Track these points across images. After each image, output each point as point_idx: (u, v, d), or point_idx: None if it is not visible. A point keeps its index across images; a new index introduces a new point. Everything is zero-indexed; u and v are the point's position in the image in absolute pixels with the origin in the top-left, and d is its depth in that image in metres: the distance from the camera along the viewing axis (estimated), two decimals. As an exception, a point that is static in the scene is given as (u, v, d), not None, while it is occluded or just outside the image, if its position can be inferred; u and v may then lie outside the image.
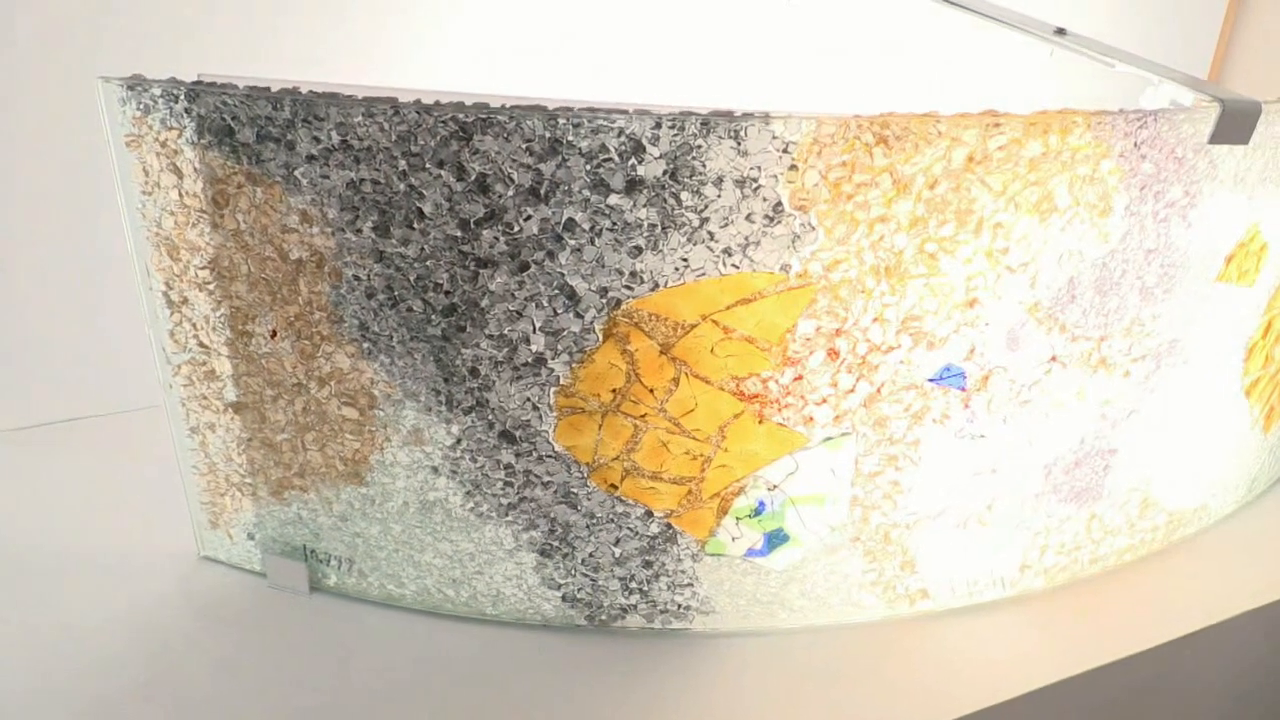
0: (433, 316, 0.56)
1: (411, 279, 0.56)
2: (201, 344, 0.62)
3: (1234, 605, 0.72)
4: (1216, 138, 0.57)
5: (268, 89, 0.53)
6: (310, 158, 0.54)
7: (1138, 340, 0.64)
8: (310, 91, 0.53)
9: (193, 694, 0.59)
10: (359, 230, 0.55)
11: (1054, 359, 0.61)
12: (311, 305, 0.58)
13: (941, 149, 0.53)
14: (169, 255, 0.60)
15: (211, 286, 0.60)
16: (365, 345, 0.58)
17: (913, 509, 0.64)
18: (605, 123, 0.50)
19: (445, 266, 0.55)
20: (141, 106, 0.56)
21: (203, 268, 0.59)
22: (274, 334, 0.60)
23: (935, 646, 0.67)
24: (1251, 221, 0.63)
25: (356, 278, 0.56)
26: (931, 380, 0.60)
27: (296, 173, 0.54)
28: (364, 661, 0.63)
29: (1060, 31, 0.67)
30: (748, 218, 0.53)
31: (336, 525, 0.65)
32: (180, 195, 0.57)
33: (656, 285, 0.55)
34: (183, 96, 0.54)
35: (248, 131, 0.54)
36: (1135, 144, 0.56)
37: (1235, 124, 0.57)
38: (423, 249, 0.55)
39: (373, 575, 0.67)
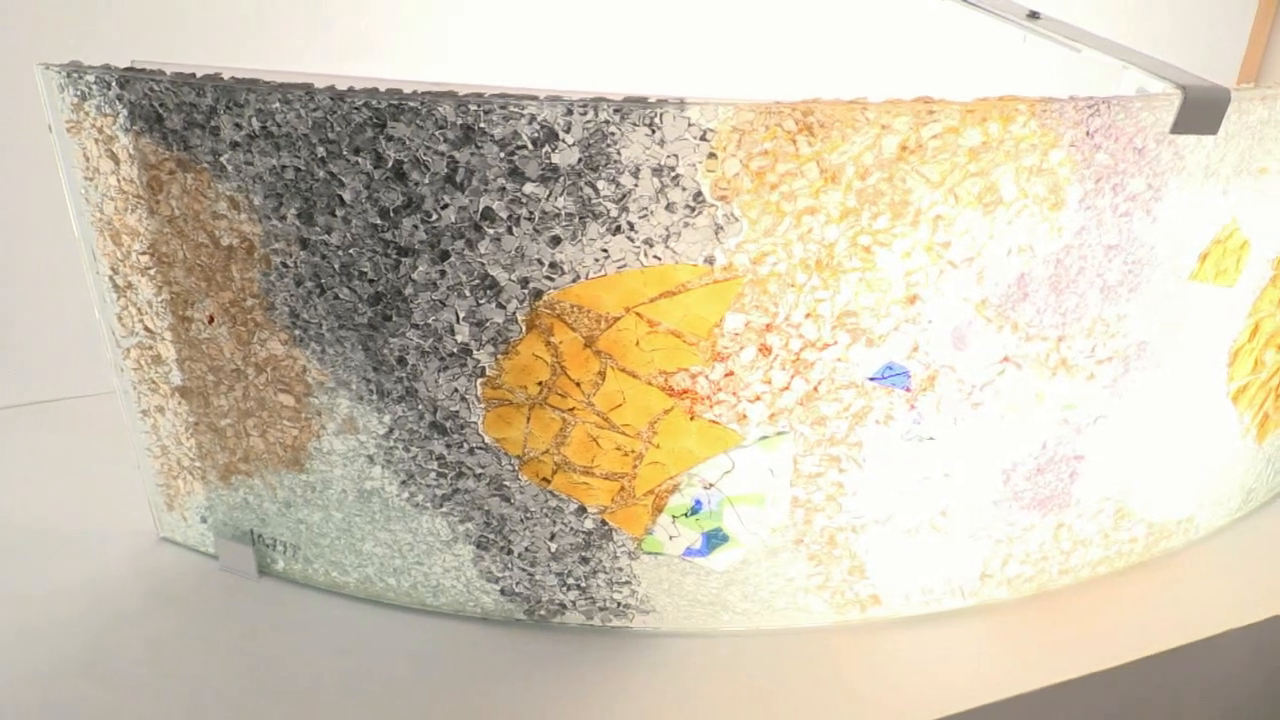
0: (359, 305, 0.56)
1: (336, 267, 0.55)
2: (147, 329, 0.63)
3: (1213, 623, 0.68)
4: (1179, 127, 0.53)
5: (193, 75, 0.53)
6: (234, 144, 0.54)
7: (1101, 341, 0.60)
8: (232, 78, 0.53)
9: (129, 670, 0.60)
10: (283, 217, 0.55)
11: (1007, 359, 0.58)
12: (245, 292, 0.58)
13: (870, 137, 0.50)
14: (112, 240, 0.61)
15: (152, 272, 0.60)
16: (296, 333, 0.59)
17: (858, 512, 0.62)
18: (517, 109, 0.49)
19: (368, 255, 0.54)
20: (79, 93, 0.56)
21: (143, 253, 0.60)
22: (211, 319, 0.60)
23: (884, 656, 0.65)
24: (1228, 217, 0.59)
25: (284, 265, 0.57)
26: (873, 379, 0.57)
27: (222, 159, 0.54)
28: (301, 647, 0.63)
29: (1033, 15, 0.64)
30: (667, 208, 0.51)
31: (281, 511, 0.66)
32: (118, 181, 0.58)
33: (578, 276, 0.53)
34: (115, 83, 0.55)
35: (176, 118, 0.54)
36: (1087, 133, 0.53)
37: (1201, 113, 0.53)
38: (346, 236, 0.54)
39: (317, 562, 0.67)
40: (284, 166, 0.53)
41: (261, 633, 0.64)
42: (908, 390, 0.58)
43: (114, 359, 0.65)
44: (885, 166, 0.51)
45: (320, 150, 0.52)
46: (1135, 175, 0.55)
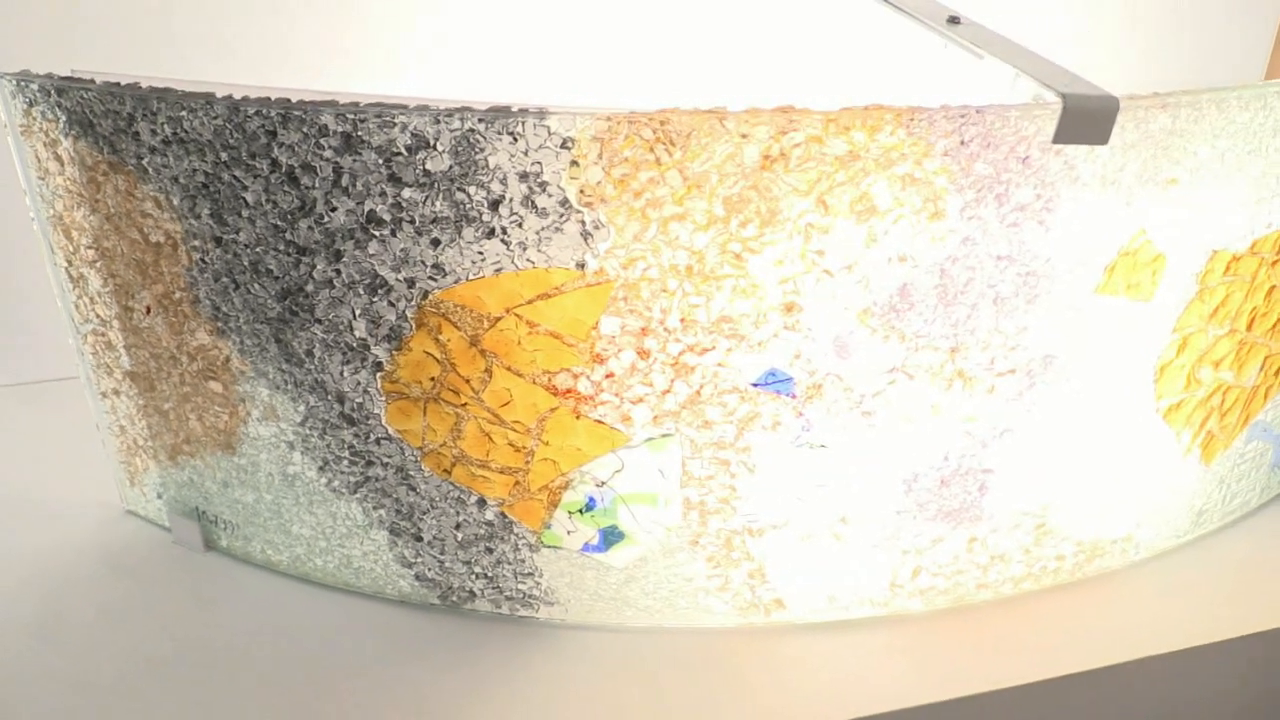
0: (269, 301, 0.60)
1: (247, 264, 0.59)
2: (99, 317, 0.68)
3: (1137, 648, 0.66)
4: (1062, 136, 0.52)
5: (117, 84, 0.58)
6: (152, 149, 0.58)
7: (1000, 354, 0.59)
8: (149, 87, 0.57)
9: (74, 631, 0.66)
10: (198, 216, 0.59)
11: (896, 370, 0.58)
12: (173, 285, 0.63)
13: (731, 145, 0.51)
14: (64, 235, 0.66)
15: (98, 265, 0.65)
16: (219, 324, 0.63)
17: (753, 516, 0.62)
18: (389, 118, 0.52)
19: (273, 254, 0.58)
20: (27, 99, 0.62)
21: (89, 247, 0.65)
22: (148, 310, 0.65)
23: (785, 660, 0.65)
24: (1135, 228, 0.57)
25: (203, 261, 0.61)
26: (756, 385, 0.58)
27: (144, 162, 0.59)
28: (232, 620, 0.67)
29: (953, 20, 0.63)
30: (537, 213, 0.53)
31: (221, 491, 0.70)
32: (65, 181, 0.63)
33: (460, 278, 0.56)
34: (54, 91, 0.60)
35: (104, 124, 0.59)
36: (962, 142, 0.52)
37: (1085, 122, 0.52)
38: (252, 236, 0.58)
39: (255, 540, 0.71)
40: (195, 170, 0.57)
41: (199, 604, 0.69)
42: (793, 397, 0.58)
43: (75, 344, 0.71)
44: (749, 175, 0.52)
45: (223, 155, 0.56)
46: (1022, 185, 0.54)
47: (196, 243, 0.60)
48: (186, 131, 0.56)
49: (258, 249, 0.58)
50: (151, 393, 0.69)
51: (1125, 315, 0.60)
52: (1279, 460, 0.76)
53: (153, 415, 0.70)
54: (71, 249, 0.66)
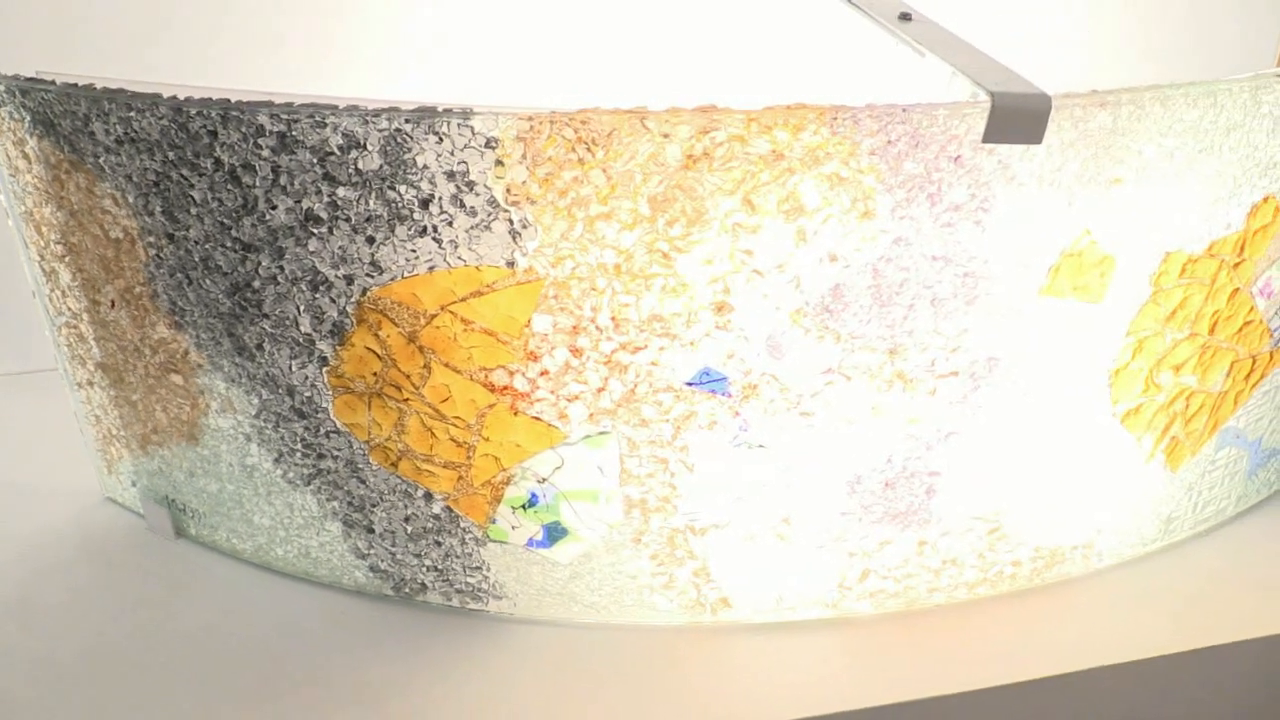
0: (220, 296, 0.61)
1: (198, 259, 0.61)
2: (70, 310, 0.70)
3: (1089, 658, 0.64)
4: (992, 136, 0.51)
5: (74, 85, 0.60)
6: (107, 148, 0.60)
7: (941, 356, 0.58)
8: (104, 88, 0.59)
9: (46, 613, 0.68)
10: (152, 214, 0.61)
11: (832, 370, 0.57)
12: (134, 280, 0.65)
13: (654, 145, 0.51)
14: (36, 230, 0.68)
15: (67, 260, 0.68)
16: (176, 318, 0.64)
17: (695, 515, 0.62)
18: (320, 118, 0.53)
19: (221, 250, 0.59)
20: (-3, 101, 0.64)
21: (58, 243, 0.67)
22: (113, 304, 0.67)
23: (729, 660, 0.65)
24: (1079, 229, 0.56)
25: (159, 257, 0.62)
26: (690, 384, 0.58)
27: (101, 161, 0.61)
28: (194, 606, 0.69)
29: (905, 17, 0.62)
30: (466, 212, 0.54)
31: (187, 480, 0.72)
32: (33, 178, 0.65)
33: (395, 275, 0.57)
34: (18, 92, 0.62)
35: (64, 124, 0.61)
36: (889, 141, 0.51)
37: (1017, 121, 0.51)
38: (202, 232, 0.59)
39: (220, 529, 0.73)
40: (146, 168, 0.59)
41: (165, 589, 0.71)
42: (728, 396, 0.58)
43: (51, 336, 0.73)
44: (673, 175, 0.52)
45: (171, 154, 0.57)
46: (955, 185, 0.53)
47: (151, 239, 0.62)
48: (136, 131, 0.58)
49: (207, 245, 0.60)
50: (121, 384, 0.71)
51: (1074, 317, 0.59)
52: (1256, 468, 0.74)
53: (123, 405, 0.72)
54: (43, 244, 0.68)
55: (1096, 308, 0.59)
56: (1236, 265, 0.62)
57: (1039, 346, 0.59)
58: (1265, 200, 0.60)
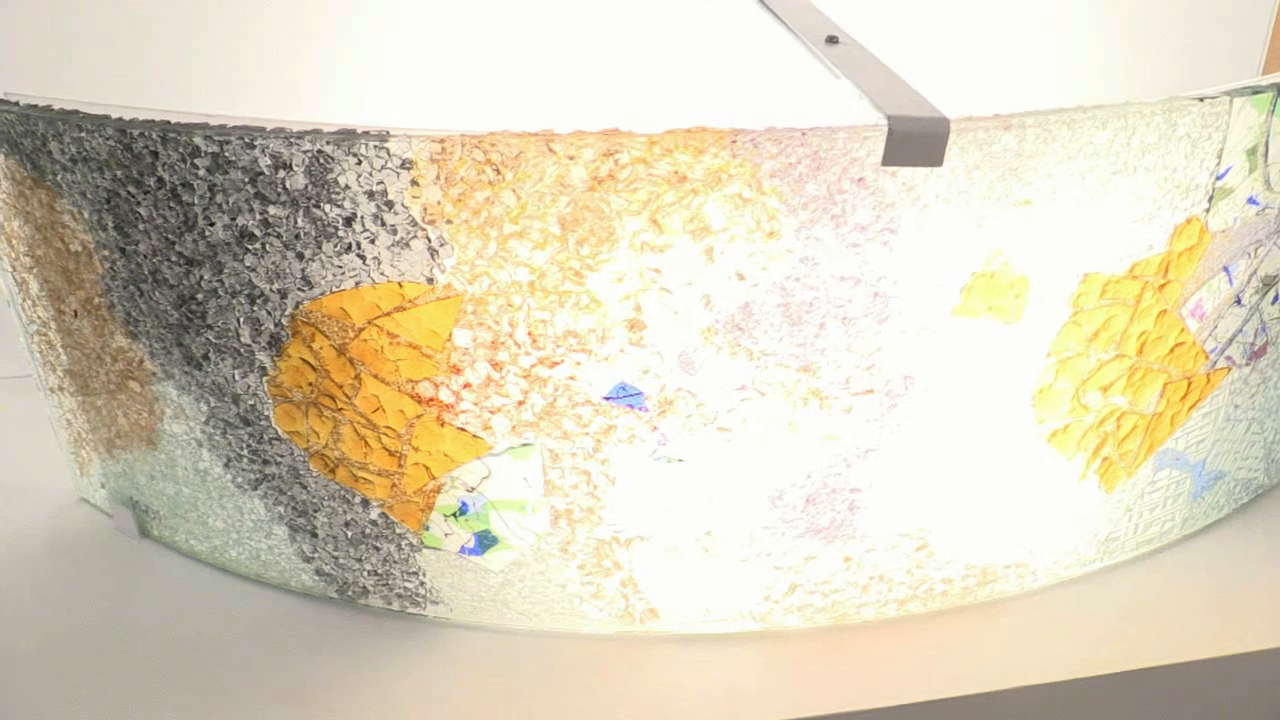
0: (168, 307, 0.64)
1: (147, 273, 0.64)
2: (40, 318, 0.74)
3: (1019, 676, 0.65)
4: (891, 158, 0.52)
5: (34, 107, 0.63)
6: (64, 166, 0.63)
7: (855, 374, 0.59)
8: (60, 110, 0.62)
9: (9, 607, 0.71)
10: (105, 229, 0.64)
11: (746, 387, 0.58)
12: (93, 291, 0.68)
13: (559, 168, 0.53)
14: (7, 243, 0.72)
15: (35, 271, 0.71)
16: (130, 328, 0.67)
17: (619, 526, 0.64)
18: (249, 140, 0.55)
19: (168, 264, 0.62)
20: (-32, 121, 0.68)
21: (26, 255, 0.71)
22: (75, 313, 0.70)
23: (654, 670, 0.66)
24: (990, 249, 0.56)
25: (113, 270, 0.65)
26: (608, 398, 0.59)
27: (58, 178, 0.64)
28: (150, 604, 0.72)
29: (832, 40, 0.63)
30: (386, 230, 0.56)
31: (149, 483, 0.75)
32: (2, 194, 0.69)
33: (325, 290, 0.59)
34: (-15, 114, 0.66)
35: (26, 143, 0.64)
36: (789, 163, 0.52)
37: (915, 144, 0.51)
38: (150, 247, 0.62)
39: (180, 531, 0.76)
40: (98, 186, 0.62)
41: (126, 587, 0.74)
42: (645, 411, 0.59)
43: (25, 342, 0.77)
44: (580, 196, 0.53)
45: (119, 173, 0.60)
46: (860, 206, 0.54)
47: (106, 253, 0.65)
48: (88, 151, 0.61)
49: (154, 259, 0.63)
50: (87, 390, 0.74)
51: (991, 337, 0.60)
52: (1201, 490, 0.73)
53: (90, 410, 0.75)
54: (14, 256, 0.72)
55: (1014, 327, 0.60)
56: (1162, 287, 0.62)
57: (956, 366, 0.60)
58: (1189, 221, 0.60)
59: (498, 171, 0.53)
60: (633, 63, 0.89)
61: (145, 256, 0.63)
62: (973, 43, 1.06)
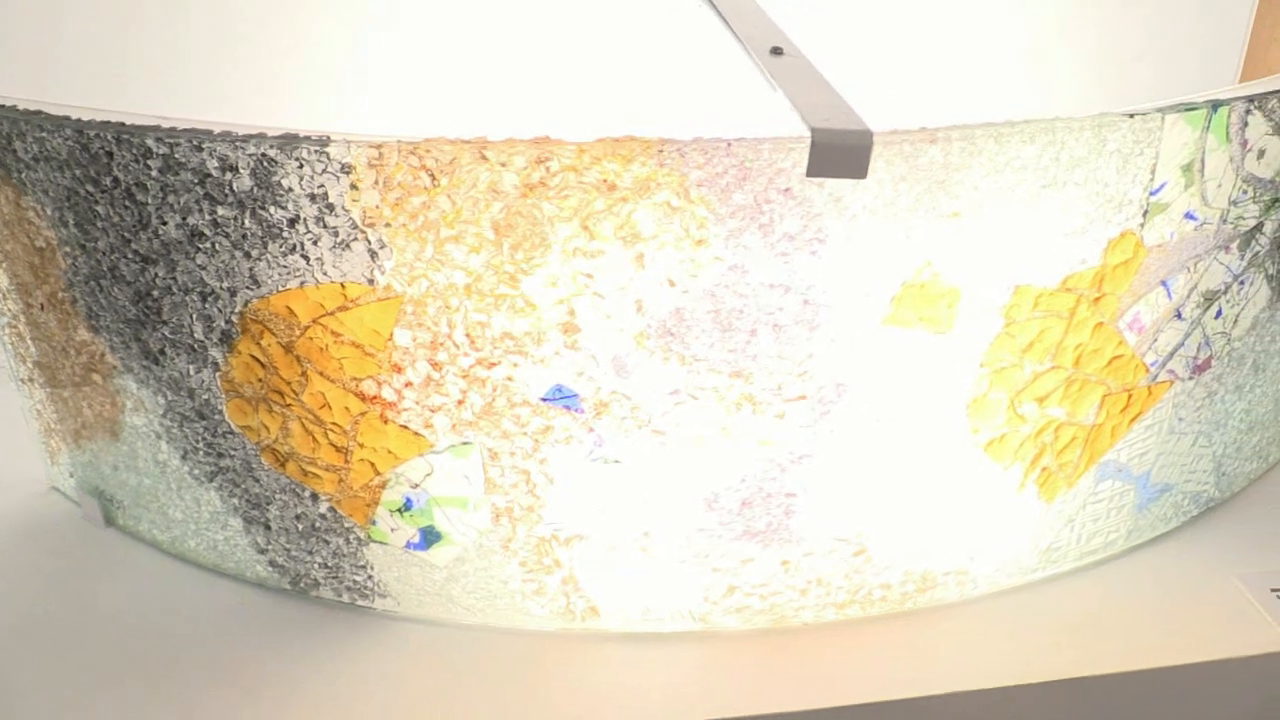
0: (126, 303, 0.66)
1: (106, 269, 0.65)
2: (10, 310, 0.76)
3: (954, 682, 0.65)
4: (815, 170, 0.53)
5: (1, 106, 0.65)
6: (27, 165, 0.65)
7: (788, 381, 0.60)
8: (25, 110, 0.64)
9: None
10: (67, 225, 0.66)
11: (679, 391, 0.60)
12: (57, 286, 0.70)
13: (492, 174, 0.54)
14: (-21, 238, 0.74)
15: (4, 265, 0.73)
16: (92, 322, 0.69)
17: (558, 525, 0.65)
18: (197, 142, 0.57)
19: (125, 261, 0.64)
20: (-59, 119, 0.70)
21: (-4, 250, 0.73)
22: (42, 307, 0.72)
23: (593, 667, 0.67)
24: (920, 260, 0.57)
25: (75, 266, 0.67)
26: (545, 399, 0.61)
27: (23, 176, 0.66)
28: (111, 590, 0.74)
29: (776, 51, 0.64)
30: (329, 232, 0.57)
31: (113, 473, 0.77)
32: (-27, 191, 0.71)
33: (272, 289, 0.60)
34: (-44, 113, 0.68)
35: (-7, 142, 0.67)
36: (716, 173, 0.53)
37: (838, 156, 0.52)
38: (108, 244, 0.64)
39: (143, 520, 0.78)
40: (59, 184, 0.64)
41: (88, 574, 0.76)
42: (581, 413, 0.61)
43: (-2, 335, 0.79)
44: (513, 202, 0.55)
45: (78, 172, 0.62)
46: (787, 216, 0.55)
47: (68, 249, 0.67)
48: (49, 150, 0.63)
49: (113, 256, 0.65)
50: (54, 382, 0.76)
51: (923, 346, 0.60)
52: (1146, 503, 0.74)
53: (58, 402, 0.78)
54: (-15, 251, 0.74)
55: (946, 337, 0.60)
56: (1097, 300, 0.62)
57: (889, 374, 0.61)
58: (1123, 236, 0.61)
59: (433, 177, 0.55)
60: (587, 67, 0.91)
61: (104, 253, 0.65)
62: (949, 49, 1.07)
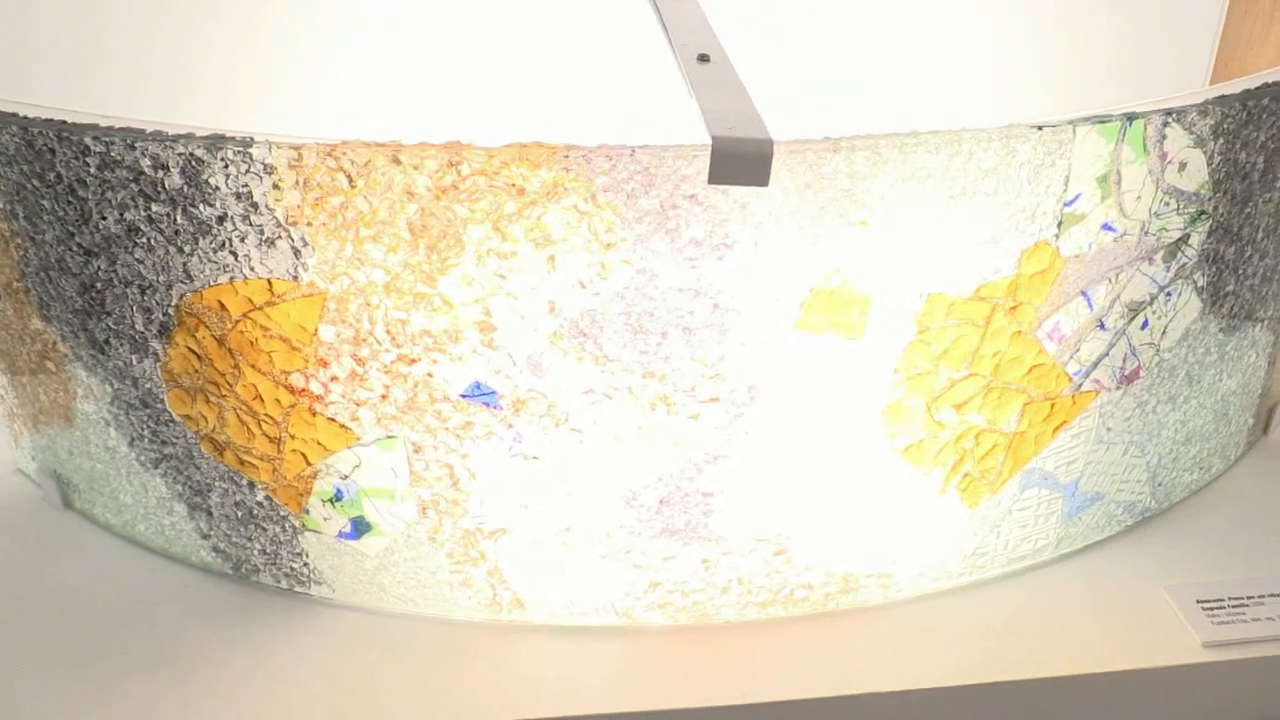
0: (73, 294, 0.68)
1: (54, 260, 0.68)
2: (-26, 300, 0.79)
3: (870, 683, 0.66)
4: (716, 177, 0.54)
5: (-45, 104, 0.68)
6: (-20, 159, 0.68)
7: (700, 383, 0.61)
8: (-23, 107, 0.66)
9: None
10: (17, 218, 0.68)
11: (593, 391, 0.61)
12: (12, 275, 0.72)
13: (406, 177, 0.55)
14: (-57, 229, 0.77)
15: (-34, 256, 0.76)
16: (44, 312, 0.72)
17: (482, 519, 0.66)
18: (131, 141, 0.59)
19: (70, 253, 0.66)
20: (-95, 114, 0.73)
21: (-43, 240, 0.76)
22: (0, 295, 0.75)
23: (519, 657, 0.69)
24: (829, 267, 0.58)
25: (26, 257, 0.70)
26: (464, 396, 0.62)
27: (-23, 171, 0.68)
28: (61, 570, 0.77)
29: (703, 59, 0.65)
30: (255, 230, 0.59)
31: (69, 458, 0.80)
32: (-65, 183, 0.74)
33: (204, 283, 0.62)
34: (-84, 108, 0.70)
35: (-50, 137, 0.69)
36: (621, 180, 0.55)
37: (740, 164, 0.53)
38: (54, 237, 0.66)
39: (97, 505, 0.81)
40: (8, 179, 0.66)
41: (42, 554, 0.79)
42: (500, 410, 0.62)
43: (-37, 322, 0.82)
44: (427, 204, 0.56)
45: (25, 167, 0.65)
46: (694, 222, 0.56)
47: (19, 240, 0.69)
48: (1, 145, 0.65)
49: (59, 249, 0.67)
50: (14, 368, 0.79)
51: (835, 352, 0.61)
52: (1076, 511, 0.74)
53: (18, 387, 0.80)
54: (-51, 240, 0.77)
55: (858, 343, 0.61)
56: (1013, 309, 0.63)
57: (802, 378, 0.62)
58: (1037, 246, 0.62)
59: (349, 179, 0.56)
60: (533, 70, 0.92)
61: (51, 246, 0.67)
62: (917, 52, 1.07)
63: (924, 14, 1.03)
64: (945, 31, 1.09)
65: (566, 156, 0.54)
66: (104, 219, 0.63)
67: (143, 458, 0.74)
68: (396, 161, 0.55)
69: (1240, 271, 0.72)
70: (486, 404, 0.62)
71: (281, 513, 0.70)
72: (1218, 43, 1.01)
